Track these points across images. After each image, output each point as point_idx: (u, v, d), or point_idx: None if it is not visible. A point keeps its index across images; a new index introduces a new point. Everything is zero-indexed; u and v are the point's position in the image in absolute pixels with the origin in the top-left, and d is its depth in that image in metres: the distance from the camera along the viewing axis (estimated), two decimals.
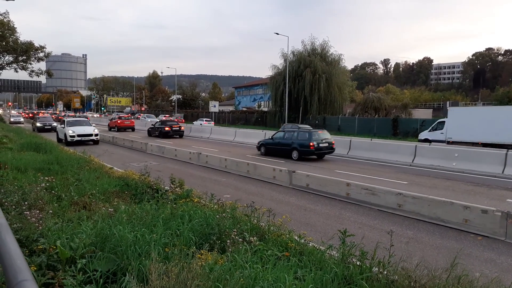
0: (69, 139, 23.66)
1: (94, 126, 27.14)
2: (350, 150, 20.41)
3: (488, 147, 19.78)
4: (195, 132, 35.78)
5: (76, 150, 15.57)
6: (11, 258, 1.43)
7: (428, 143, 22.24)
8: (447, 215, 7.66)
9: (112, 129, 40.40)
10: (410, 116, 46.37)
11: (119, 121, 41.81)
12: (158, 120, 41.21)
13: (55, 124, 36.22)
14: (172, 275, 3.51)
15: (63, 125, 25.21)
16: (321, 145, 18.27)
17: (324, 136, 19.02)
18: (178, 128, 32.68)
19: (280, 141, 19.55)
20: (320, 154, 18.67)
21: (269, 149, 20.03)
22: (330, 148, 18.78)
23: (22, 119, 56.42)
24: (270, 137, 21.00)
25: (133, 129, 40.75)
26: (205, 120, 53.99)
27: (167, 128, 32.09)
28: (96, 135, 24.82)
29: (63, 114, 78.99)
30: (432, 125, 26.83)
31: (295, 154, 18.47)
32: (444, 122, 25.67)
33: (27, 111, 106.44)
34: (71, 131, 23.91)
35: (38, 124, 36.75)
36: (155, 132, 32.99)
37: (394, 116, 41.44)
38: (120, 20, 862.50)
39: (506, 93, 56.58)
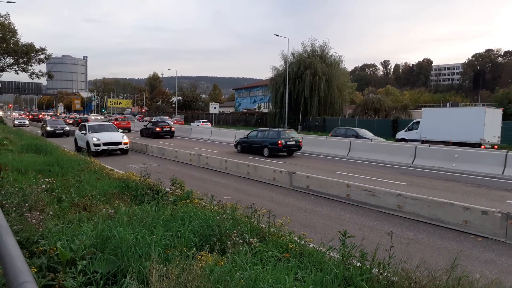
0: (93, 148, 19.14)
1: (121, 132, 22.36)
2: (350, 152, 20.41)
3: (457, 146, 20.97)
4: (195, 133, 35.80)
5: (101, 160, 15.23)
6: (12, 259, 1.44)
7: (405, 142, 24.16)
8: (447, 216, 7.67)
9: None
10: (410, 117, 46.35)
11: (115, 122, 41.90)
12: (149, 121, 43.89)
13: (67, 128, 33.38)
14: (173, 276, 3.51)
15: (83, 131, 20.71)
16: (288, 143, 20.21)
17: (292, 135, 21.04)
18: (168, 129, 34.50)
19: (254, 140, 21.47)
20: (288, 151, 20.69)
21: (244, 147, 21.88)
22: (297, 146, 20.74)
23: (27, 122, 53.34)
24: (246, 136, 22.77)
25: (129, 130, 42.19)
26: (202, 122, 54.11)
27: (158, 129, 33.95)
28: (126, 143, 20.26)
29: (72, 116, 75.24)
30: (408, 125, 28.40)
31: (265, 151, 20.43)
32: (419, 122, 27.19)
33: (27, 113, 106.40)
34: (95, 138, 19.37)
35: (48, 128, 32.69)
36: (148, 133, 34.62)
37: (394, 118, 41.48)
38: (121, 22, 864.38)
39: (506, 94, 56.44)
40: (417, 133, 26.69)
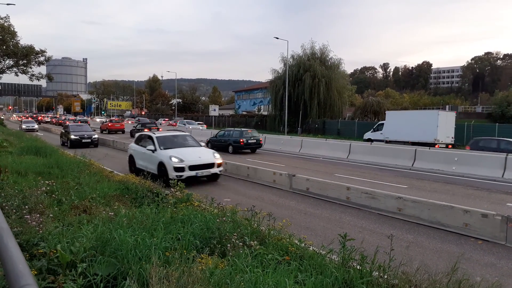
0: (173, 173, 11.86)
1: (204, 146, 16.15)
2: (349, 154, 20.42)
3: (416, 145, 22.59)
4: (195, 136, 35.76)
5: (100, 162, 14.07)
6: (13, 262, 1.44)
7: (370, 142, 25.96)
8: (447, 219, 7.66)
9: (103, 131, 43.82)
10: None
11: (109, 124, 45.45)
12: (139, 123, 45.71)
13: (96, 136, 27.27)
14: (173, 279, 3.51)
15: (149, 145, 13.28)
16: (249, 141, 23.22)
17: (253, 134, 24.17)
18: (156, 130, 35.46)
19: (221, 138, 24.44)
20: (249, 148, 23.45)
21: (214, 145, 24.19)
22: (258, 144, 23.84)
23: (36, 126, 46.64)
24: (215, 135, 25.74)
25: (123, 132, 43.49)
26: (197, 123, 55.20)
27: (146, 130, 34.90)
28: (219, 164, 13.03)
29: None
30: (374, 127, 30.75)
31: (230, 148, 23.23)
32: (383, 124, 29.32)
33: (27, 115, 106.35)
34: (175, 158, 12.14)
35: (73, 137, 25.69)
36: (137, 133, 35.49)
37: None
38: (121, 25, 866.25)
39: (505, 97, 56.55)
40: (381, 133, 28.70)
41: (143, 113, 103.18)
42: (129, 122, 61.00)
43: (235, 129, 25.23)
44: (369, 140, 28.90)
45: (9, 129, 38.15)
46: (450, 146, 25.53)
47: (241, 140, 22.84)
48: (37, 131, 42.33)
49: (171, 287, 3.43)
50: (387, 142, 26.77)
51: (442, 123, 25.42)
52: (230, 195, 10.81)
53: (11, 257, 1.47)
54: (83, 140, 25.94)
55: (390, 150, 19.38)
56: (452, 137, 26.36)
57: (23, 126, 44.52)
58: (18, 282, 1.33)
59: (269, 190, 11.85)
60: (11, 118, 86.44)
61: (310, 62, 47.14)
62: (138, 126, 38.35)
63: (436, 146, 24.23)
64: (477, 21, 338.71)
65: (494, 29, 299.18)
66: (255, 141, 23.56)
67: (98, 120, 71.78)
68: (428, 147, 19.90)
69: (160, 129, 36.10)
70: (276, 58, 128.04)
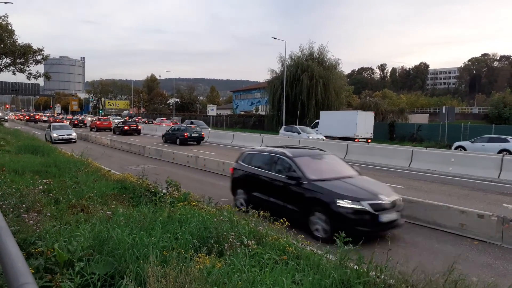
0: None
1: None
2: (347, 154, 20.45)
3: (342, 140, 26.68)
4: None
5: (74, 152, 15.40)
6: (12, 261, 1.44)
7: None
8: (444, 220, 7.70)
9: (92, 130, 46.53)
10: (406, 120, 46.54)
11: (98, 123, 48.81)
12: (121, 120, 48.79)
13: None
14: (170, 278, 3.51)
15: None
16: (193, 135, 28.78)
17: (196, 129, 29.88)
18: (135, 127, 40.16)
19: (171, 133, 29.97)
20: (193, 140, 28.80)
21: (166, 138, 29.97)
22: (200, 137, 29.19)
23: (74, 134, 29.41)
24: (168, 130, 31.08)
25: (111, 129, 45.55)
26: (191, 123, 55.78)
27: (126, 127, 39.38)
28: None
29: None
30: (312, 125, 35.43)
31: (177, 141, 28.41)
32: (318, 122, 34.52)
33: (24, 113, 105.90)
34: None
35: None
36: (118, 131, 39.81)
37: (391, 121, 41.62)
38: (119, 24, 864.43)
39: (502, 98, 56.79)
40: (317, 130, 32.69)
41: (140, 112, 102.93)
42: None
43: (182, 125, 31.21)
44: (307, 137, 31.70)
45: (7, 128, 37.95)
46: (369, 140, 29.35)
47: (185, 134, 28.34)
48: (75, 141, 28.62)
49: (169, 286, 3.44)
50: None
51: (361, 121, 30.38)
52: (227, 195, 10.79)
53: (10, 255, 1.48)
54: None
55: (388, 150, 19.44)
56: (371, 133, 31.27)
57: (54, 135, 28.21)
58: (17, 281, 1.33)
59: None
60: (9, 117, 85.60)
61: (308, 63, 47.18)
62: (119, 123, 42.18)
63: (356, 140, 28.45)
64: (474, 22, 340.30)
65: (490, 30, 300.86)
66: (198, 135, 29.06)
67: (89, 118, 72.47)
68: (351, 141, 23.61)
69: (139, 127, 40.71)
70: (274, 59, 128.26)
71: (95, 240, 4.52)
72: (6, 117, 67.55)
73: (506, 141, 21.92)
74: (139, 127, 41.04)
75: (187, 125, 30.37)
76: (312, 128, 33.81)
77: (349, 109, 58.69)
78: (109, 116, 74.41)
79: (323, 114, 35.15)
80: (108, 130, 45.65)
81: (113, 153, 21.92)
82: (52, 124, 32.24)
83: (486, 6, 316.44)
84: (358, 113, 31.54)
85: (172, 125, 36.70)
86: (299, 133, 30.07)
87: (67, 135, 29.00)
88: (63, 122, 40.98)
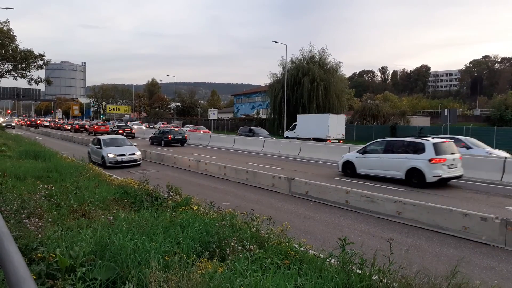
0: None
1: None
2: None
3: (317, 141, 29.06)
4: (194, 139, 35.87)
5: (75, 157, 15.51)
6: (14, 267, 1.43)
7: (289, 139, 31.88)
8: (446, 223, 7.67)
9: (90, 134, 48.47)
10: (408, 123, 46.51)
11: (95, 127, 50.63)
12: (116, 125, 51.26)
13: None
14: (172, 283, 3.50)
15: None
16: (176, 137, 31.53)
17: (179, 132, 33.11)
18: (129, 131, 42.40)
19: (157, 135, 32.93)
20: (176, 142, 31.51)
21: (153, 140, 32.86)
22: (183, 139, 32.02)
23: (138, 154, 19.33)
24: (154, 133, 34.14)
25: (108, 133, 47.03)
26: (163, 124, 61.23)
27: (120, 131, 41.38)
28: None
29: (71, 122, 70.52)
30: (290, 127, 38.18)
31: (162, 143, 31.05)
32: (296, 124, 36.70)
33: (25, 119, 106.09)
34: None
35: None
36: (113, 134, 42.13)
37: (392, 124, 41.59)
38: (119, 28, 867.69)
39: (503, 100, 56.78)
40: (295, 132, 35.62)
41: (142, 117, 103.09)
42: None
43: (166, 128, 35.53)
44: (287, 137, 35.28)
45: (8, 133, 37.98)
46: (341, 141, 32.06)
47: (169, 136, 31.17)
48: (139, 164, 19.35)
49: None
50: (299, 139, 32.44)
51: (333, 124, 32.83)
52: (229, 199, 10.80)
53: (12, 262, 1.47)
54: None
55: None
56: (343, 134, 33.86)
57: (110, 155, 18.50)
58: (20, 287, 1.33)
59: (268, 193, 11.84)
60: (15, 122, 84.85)
61: (309, 66, 47.26)
62: (114, 127, 45.30)
63: (329, 141, 30.74)
64: (475, 24, 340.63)
65: (492, 32, 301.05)
66: (180, 137, 31.94)
67: (88, 123, 73.39)
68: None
69: (134, 131, 43.12)
70: (275, 62, 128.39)
71: (96, 245, 4.51)
72: (13, 123, 64.74)
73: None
74: (133, 131, 43.57)
75: (171, 128, 35.10)
76: (290, 130, 37.13)
77: (350, 112, 58.82)
78: (106, 121, 75.90)
79: (299, 117, 37.66)
80: (106, 134, 46.75)
81: None
82: (102, 138, 19.97)
83: (487, 8, 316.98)
84: (330, 116, 34.06)
85: (160, 128, 40.99)
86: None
87: (129, 154, 18.71)
88: (117, 132, 39.87)
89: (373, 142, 15.43)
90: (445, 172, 12.68)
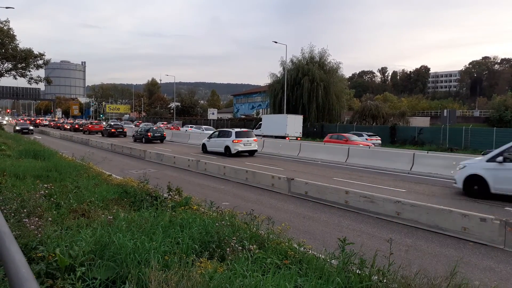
0: None
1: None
2: (348, 158, 20.44)
3: (278, 138, 32.70)
4: (193, 139, 35.88)
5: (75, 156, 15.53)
6: (16, 267, 1.44)
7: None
8: (446, 223, 7.67)
9: (85, 132, 50.46)
10: (407, 124, 46.57)
11: (90, 126, 52.77)
12: (109, 124, 53.05)
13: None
14: (172, 283, 3.50)
15: None
16: (155, 134, 34.64)
17: (159, 130, 36.11)
18: (121, 130, 44.63)
19: (139, 133, 35.66)
20: (156, 139, 34.50)
21: (135, 138, 35.64)
22: (162, 136, 34.99)
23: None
24: (137, 131, 36.97)
25: (102, 132, 48.38)
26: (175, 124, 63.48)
27: (112, 130, 43.92)
28: None
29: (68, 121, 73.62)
30: (256, 125, 42.88)
31: (143, 140, 33.87)
32: (261, 124, 41.48)
33: (25, 118, 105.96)
34: None
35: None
36: (106, 133, 44.33)
37: (392, 124, 41.63)
38: (119, 28, 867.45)
39: (503, 101, 56.88)
40: (260, 130, 39.34)
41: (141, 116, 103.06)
42: (133, 126, 61.96)
43: (147, 127, 38.58)
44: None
45: (7, 133, 37.97)
46: (298, 138, 36.12)
47: (149, 134, 34.11)
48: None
49: None
50: (263, 136, 34.91)
51: (291, 123, 37.06)
52: (228, 199, 10.80)
53: (14, 261, 1.47)
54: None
55: (389, 154, 19.41)
56: (300, 132, 38.34)
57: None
58: (22, 286, 1.33)
59: (268, 193, 11.84)
60: (11, 121, 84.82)
61: (309, 66, 47.32)
62: (107, 127, 47.00)
63: (287, 138, 34.12)
64: (475, 25, 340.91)
65: (491, 33, 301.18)
66: (159, 134, 34.88)
67: (141, 125, 74.05)
68: (283, 139, 27.60)
69: (125, 130, 44.75)
70: (275, 62, 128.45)
71: (96, 245, 4.51)
72: (3, 121, 66.10)
73: None
74: (125, 129, 45.50)
75: (151, 127, 39.22)
76: (256, 128, 40.24)
77: (350, 113, 58.87)
78: (99, 120, 77.22)
79: (264, 117, 43.48)
80: (100, 133, 48.17)
81: (114, 157, 21.93)
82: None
83: (487, 10, 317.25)
84: (288, 116, 38.60)
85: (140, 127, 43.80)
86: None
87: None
88: (110, 131, 43.83)
89: None
90: None
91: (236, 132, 22.49)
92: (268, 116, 43.83)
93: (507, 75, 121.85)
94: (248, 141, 22.56)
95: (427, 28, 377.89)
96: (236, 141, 22.20)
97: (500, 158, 10.48)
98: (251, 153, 23.48)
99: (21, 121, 70.69)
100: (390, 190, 12.34)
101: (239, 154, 22.64)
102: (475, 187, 10.98)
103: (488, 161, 10.84)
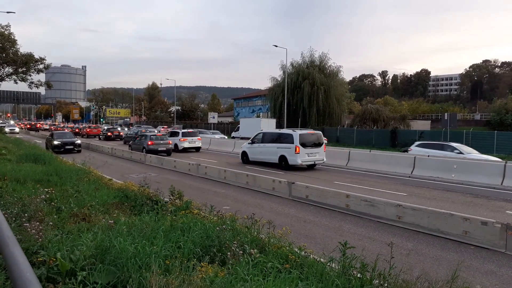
0: None
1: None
2: (349, 162, 20.43)
3: None
4: None
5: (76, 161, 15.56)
6: (21, 270, 1.44)
7: (234, 139, 36.26)
8: (447, 227, 7.66)
9: (83, 136, 51.49)
10: (408, 127, 46.50)
11: (88, 130, 54.94)
12: (106, 128, 54.61)
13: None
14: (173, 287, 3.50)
15: None
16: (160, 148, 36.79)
17: (162, 139, 36.82)
18: (118, 134, 46.11)
19: (128, 136, 36.76)
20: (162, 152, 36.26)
21: (125, 141, 35.96)
22: (169, 151, 35.58)
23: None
24: (126, 134, 39.24)
25: (99, 136, 50.81)
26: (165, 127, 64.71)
27: (109, 134, 45.92)
28: None
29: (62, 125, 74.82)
30: (235, 128, 46.06)
31: (144, 150, 32.70)
32: (239, 127, 44.00)
33: (25, 122, 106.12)
34: None
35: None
36: (103, 137, 46.49)
37: (393, 128, 41.58)
38: (120, 33, 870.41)
39: (504, 104, 56.91)
40: (238, 133, 42.02)
41: (142, 120, 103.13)
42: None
43: (136, 129, 42.86)
44: (234, 137, 41.00)
45: (7, 137, 37.99)
46: None
47: (137, 137, 34.87)
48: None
49: None
50: (241, 138, 36.55)
51: (264, 126, 38.20)
52: (229, 203, 10.80)
53: (18, 265, 1.48)
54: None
55: (390, 157, 19.40)
56: None
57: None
58: None
59: (269, 197, 11.84)
60: (18, 125, 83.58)
61: (309, 70, 47.39)
62: (104, 130, 48.93)
63: None
64: (475, 29, 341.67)
65: (491, 37, 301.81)
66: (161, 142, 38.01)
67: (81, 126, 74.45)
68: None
69: (122, 133, 45.48)
70: (275, 66, 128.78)
71: (97, 249, 4.51)
72: (16, 128, 60.88)
73: None
74: (121, 133, 46.67)
75: (138, 129, 41.67)
76: (235, 131, 43.84)
77: (350, 116, 58.92)
78: (97, 124, 79.02)
79: (241, 120, 47.00)
80: (97, 137, 49.55)
81: (114, 161, 21.94)
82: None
83: (487, 13, 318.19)
84: (262, 120, 42.53)
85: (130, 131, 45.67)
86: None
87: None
88: (106, 135, 46.52)
89: None
90: None
91: (182, 133, 29.41)
92: (245, 120, 47.52)
93: (508, 79, 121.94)
94: (192, 139, 29.10)
95: (427, 31, 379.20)
96: (183, 139, 28.69)
97: (250, 141, 20.92)
98: (197, 149, 29.45)
99: (59, 129, 50.43)
100: (391, 194, 12.33)
101: (186, 150, 28.58)
102: (244, 158, 21.32)
103: (248, 144, 21.09)
